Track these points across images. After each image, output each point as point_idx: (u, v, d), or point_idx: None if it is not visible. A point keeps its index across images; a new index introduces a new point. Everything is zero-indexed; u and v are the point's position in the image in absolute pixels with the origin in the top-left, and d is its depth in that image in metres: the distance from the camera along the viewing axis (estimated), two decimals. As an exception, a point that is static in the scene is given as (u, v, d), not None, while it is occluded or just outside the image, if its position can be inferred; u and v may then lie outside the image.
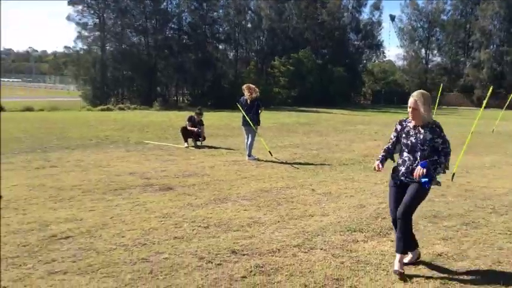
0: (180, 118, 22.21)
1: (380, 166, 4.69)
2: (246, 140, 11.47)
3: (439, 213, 6.76)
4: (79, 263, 4.63)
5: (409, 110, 4.55)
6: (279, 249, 5.14)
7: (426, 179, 4.39)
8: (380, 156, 4.81)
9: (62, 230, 5.61)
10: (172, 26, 40.04)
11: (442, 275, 4.50)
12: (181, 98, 41.38)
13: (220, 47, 43.65)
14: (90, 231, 5.63)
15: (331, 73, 41.93)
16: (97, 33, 39.08)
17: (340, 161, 11.25)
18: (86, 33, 39.29)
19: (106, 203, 6.97)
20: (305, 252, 5.06)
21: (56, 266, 4.54)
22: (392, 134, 4.81)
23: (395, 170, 4.77)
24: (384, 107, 44.07)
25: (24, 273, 4.37)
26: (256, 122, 11.42)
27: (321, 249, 5.19)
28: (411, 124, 4.63)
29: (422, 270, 4.64)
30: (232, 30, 42.29)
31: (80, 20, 38.62)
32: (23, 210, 6.51)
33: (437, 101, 17.65)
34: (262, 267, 4.61)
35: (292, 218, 6.39)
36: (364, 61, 52.95)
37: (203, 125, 13.80)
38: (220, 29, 42.20)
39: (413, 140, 4.55)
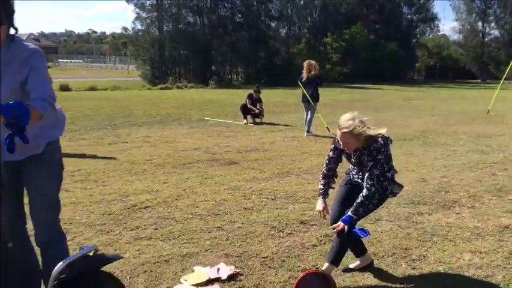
0: (236, 96, 22.52)
1: (323, 206, 3.89)
2: (305, 117, 11.56)
3: (503, 187, 6.67)
4: (161, 230, 4.92)
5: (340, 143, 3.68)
6: (345, 220, 5.26)
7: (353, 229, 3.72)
8: (320, 190, 3.98)
9: (141, 201, 5.95)
10: (226, 5, 40.18)
11: (510, 247, 4.51)
12: (235, 76, 41.65)
13: (273, 24, 43.48)
14: (167, 201, 5.94)
15: (384, 48, 41.01)
16: (154, 14, 39.77)
17: (398, 137, 11.15)
18: (144, 15, 40.10)
19: (177, 176, 7.29)
20: (371, 223, 5.16)
21: (140, 233, 4.86)
22: (330, 154, 3.92)
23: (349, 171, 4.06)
24: (438, 82, 42.83)
25: (112, 238, 4.70)
26: (315, 98, 11.46)
27: (387, 220, 5.28)
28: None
29: (490, 241, 4.65)
30: (285, 7, 42.01)
31: (138, 1, 39.42)
32: (103, 182, 6.91)
33: (504, 76, 16.98)
34: (330, 236, 4.75)
35: (355, 191, 6.49)
36: (418, 35, 51.30)
37: (261, 101, 13.97)
38: (273, 6, 42.00)
39: (357, 161, 3.75)
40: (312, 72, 11.46)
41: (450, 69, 52.00)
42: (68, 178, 7.05)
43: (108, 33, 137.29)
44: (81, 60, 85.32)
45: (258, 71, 38.61)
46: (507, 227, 5.04)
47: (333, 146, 3.91)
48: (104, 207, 5.69)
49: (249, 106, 13.71)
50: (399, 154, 9.11)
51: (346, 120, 3.58)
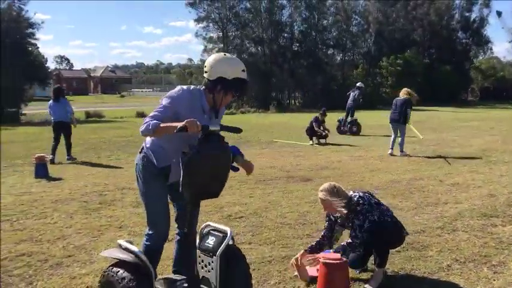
0: (296, 119, 22.95)
1: (300, 256, 4.12)
2: (392, 136, 11.65)
3: None
4: (258, 237, 5.29)
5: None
6: (423, 230, 5.44)
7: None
8: (310, 245, 4.31)
9: (235, 211, 6.36)
10: (285, 35, 40.95)
11: None
12: (293, 101, 42.09)
13: (329, 52, 43.77)
14: (257, 212, 6.31)
15: (438, 72, 40.30)
16: (220, 45, 41.08)
17: (461, 155, 11.11)
18: (211, 46, 41.50)
19: (260, 190, 7.68)
20: (448, 233, 5.31)
21: (241, 238, 5.23)
22: (327, 223, 4.34)
23: None
24: (493, 103, 41.40)
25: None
26: (403, 119, 11.46)
27: (463, 231, 5.41)
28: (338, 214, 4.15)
29: None
30: (341, 35, 42.24)
31: (206, 35, 40.95)
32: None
33: None
34: (412, 244, 4.95)
35: (428, 205, 6.63)
36: (472, 58, 50.00)
37: (324, 122, 14.32)
38: (330, 35, 42.34)
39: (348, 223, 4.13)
40: (404, 95, 11.69)
41: (505, 89, 50.25)
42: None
43: (174, 64, 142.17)
44: (151, 90, 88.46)
45: (315, 96, 38.87)
46: None
47: (326, 217, 4.36)
48: (205, 217, 6.09)
49: (316, 128, 14.01)
50: (464, 171, 9.14)
51: (324, 186, 4.12)
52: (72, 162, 10.67)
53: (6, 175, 9.16)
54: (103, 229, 5.60)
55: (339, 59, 45.28)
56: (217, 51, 41.20)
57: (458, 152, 11.76)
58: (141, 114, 30.14)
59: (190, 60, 44.98)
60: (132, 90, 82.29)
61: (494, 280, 4.03)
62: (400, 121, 11.43)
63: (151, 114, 3.07)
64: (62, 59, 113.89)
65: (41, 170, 8.83)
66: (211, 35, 40.70)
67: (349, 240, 4.02)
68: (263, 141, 14.76)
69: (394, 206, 6.56)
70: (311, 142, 13.83)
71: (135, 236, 5.31)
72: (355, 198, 4.06)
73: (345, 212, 4.02)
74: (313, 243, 4.26)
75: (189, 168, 2.93)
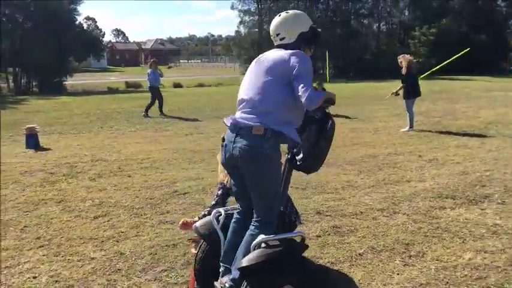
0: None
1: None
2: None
3: (548, 183, 5.77)
4: (185, 215, 4.87)
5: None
6: (362, 212, 4.86)
7: None
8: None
9: (184, 187, 5.97)
10: (320, 6, 39.43)
11: (523, 248, 3.86)
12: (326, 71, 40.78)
13: (365, 21, 41.82)
14: (205, 188, 5.89)
15: (474, 41, 37.57)
16: (256, 17, 40.16)
17: (460, 128, 10.15)
18: (247, 18, 40.67)
19: (227, 165, 7.23)
20: (386, 216, 4.72)
21: (167, 217, 4.86)
22: (220, 191, 3.91)
23: None
24: (533, 72, 38.36)
25: (141, 221, 4.76)
26: (407, 93, 10.01)
27: (404, 214, 4.79)
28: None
29: (503, 241, 4.02)
30: (375, 5, 40.17)
31: (241, 7, 40.14)
32: (162, 169, 7.05)
33: None
34: (339, 227, 4.41)
35: (387, 183, 5.98)
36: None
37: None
38: (364, 5, 40.36)
39: None
40: (403, 64, 9.97)
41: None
42: (135, 165, 7.32)
43: (223, 36, 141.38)
44: (199, 61, 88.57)
45: (348, 65, 37.43)
46: (527, 227, 4.33)
47: (221, 184, 3.86)
48: (150, 193, 5.79)
49: None
50: (452, 146, 8.30)
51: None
52: (76, 133, 10.60)
53: (3, 145, 9.17)
54: (41, 203, 5.37)
55: (374, 27, 43.29)
56: (253, 23, 40.42)
57: (460, 124, 10.77)
58: (178, 85, 30.16)
59: (237, 32, 43.69)
60: (180, 61, 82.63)
61: (397, 274, 3.46)
62: (404, 96, 10.10)
63: (308, 83, 2.55)
64: (118, 32, 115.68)
65: (31, 141, 8.76)
66: (247, 7, 39.78)
67: None
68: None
69: (352, 183, 5.99)
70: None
71: (71, 211, 5.06)
72: None
73: None
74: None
75: (329, 137, 2.74)
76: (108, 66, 72.12)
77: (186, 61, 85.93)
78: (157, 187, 6.04)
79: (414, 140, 9.01)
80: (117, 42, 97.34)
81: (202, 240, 3.06)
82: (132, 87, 29.33)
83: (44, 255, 3.93)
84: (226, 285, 2.68)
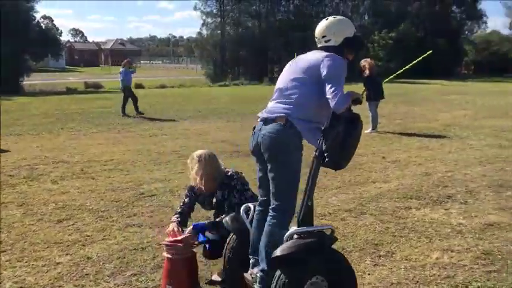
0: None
1: (176, 229, 3.38)
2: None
3: (505, 183, 6.01)
4: (153, 218, 4.80)
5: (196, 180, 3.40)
6: (330, 213, 4.91)
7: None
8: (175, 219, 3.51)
9: (151, 189, 5.86)
10: (282, 9, 39.72)
11: (486, 246, 4.00)
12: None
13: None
14: (173, 190, 5.81)
15: (432, 45, 38.87)
16: (218, 19, 40.01)
17: (420, 130, 10.46)
18: (209, 20, 40.44)
19: (194, 166, 7.15)
20: (354, 217, 4.78)
21: (135, 220, 4.75)
22: (187, 199, 3.60)
23: None
24: (487, 77, 39.96)
25: (107, 224, 4.63)
26: (370, 96, 10.08)
27: (371, 214, 4.87)
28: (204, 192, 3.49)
29: (467, 239, 4.15)
30: (335, 9, 40.85)
31: (204, 9, 39.88)
32: (127, 171, 6.90)
33: None
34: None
35: (353, 184, 6.08)
36: (466, 32, 48.20)
37: None
38: (325, 9, 40.94)
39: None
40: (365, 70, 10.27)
41: (499, 63, 48.50)
42: (98, 167, 7.13)
43: (185, 37, 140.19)
44: (160, 62, 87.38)
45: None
46: (491, 225, 4.50)
47: (187, 195, 3.65)
48: (115, 195, 5.64)
49: None
50: (413, 148, 8.53)
51: (198, 160, 3.42)
52: (35, 134, 10.21)
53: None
54: (1, 207, 5.13)
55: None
56: (215, 25, 40.28)
57: (420, 126, 11.10)
58: (139, 86, 29.59)
59: (199, 33, 43.24)
60: (141, 62, 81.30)
61: (368, 274, 3.51)
62: (367, 99, 10.12)
63: (338, 86, 2.68)
64: (77, 32, 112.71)
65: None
66: (209, 9, 39.58)
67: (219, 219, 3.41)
68: (234, 113, 14.15)
69: (319, 184, 5.99)
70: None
71: (34, 214, 4.85)
72: (230, 173, 3.50)
73: (216, 186, 3.44)
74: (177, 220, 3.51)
75: (357, 136, 2.86)
76: (66, 66, 70.00)
77: (147, 62, 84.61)
78: (122, 189, 5.90)
79: (377, 141, 9.20)
80: (75, 42, 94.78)
81: (232, 234, 3.21)
82: (92, 87, 28.57)
83: (6, 261, 3.76)
84: (258, 275, 2.83)
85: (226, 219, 3.18)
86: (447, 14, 43.47)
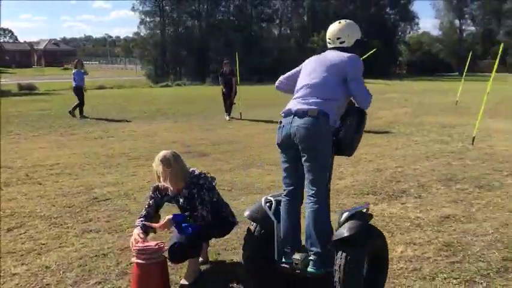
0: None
1: (142, 236, 3.24)
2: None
3: (454, 177, 6.31)
4: (111, 223, 4.60)
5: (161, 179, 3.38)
6: (292, 211, 4.92)
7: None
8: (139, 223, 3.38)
9: (104, 193, 5.62)
10: (222, 9, 39.69)
11: (446, 238, 4.16)
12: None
13: (264, 25, 42.80)
14: (128, 194, 5.60)
15: (369, 46, 40.40)
16: (157, 19, 39.31)
17: (366, 127, 10.75)
18: (148, 19, 39.62)
19: (147, 168, 6.90)
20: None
21: (91, 225, 4.53)
22: (151, 201, 3.52)
23: None
24: (419, 76, 42.05)
25: (62, 231, 4.38)
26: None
27: (332, 211, 4.90)
28: (170, 192, 3.44)
29: (427, 232, 4.31)
30: (275, 11, 41.43)
31: (142, 8, 39.02)
32: (76, 175, 6.58)
33: (465, 68, 16.26)
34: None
35: (310, 181, 6.13)
36: (400, 33, 50.57)
37: (235, 76, 13.05)
38: (265, 9, 41.37)
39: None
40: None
41: (430, 63, 51.24)
42: (44, 171, 6.75)
43: (122, 37, 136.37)
44: (97, 62, 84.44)
45: (251, 69, 38.02)
46: (447, 217, 4.70)
47: (153, 193, 3.56)
48: (67, 200, 5.36)
49: (224, 90, 12.91)
50: (362, 145, 8.70)
51: (161, 160, 3.40)
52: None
53: None
54: None
55: (276, 33, 44.58)
56: (154, 25, 39.52)
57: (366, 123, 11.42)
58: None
59: (137, 34, 42.17)
60: (76, 62, 78.25)
61: (339, 269, 3.53)
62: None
63: (363, 85, 3.13)
64: (6, 31, 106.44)
65: None
66: (148, 8, 38.78)
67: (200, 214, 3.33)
68: (180, 114, 13.92)
69: (276, 183, 6.03)
70: (227, 118, 12.80)
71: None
72: (197, 173, 3.48)
73: (183, 185, 3.39)
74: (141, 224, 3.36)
75: (363, 127, 3.28)
76: (-4, 68, 65.88)
77: (86, 62, 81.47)
78: (74, 194, 5.62)
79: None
80: (5, 42, 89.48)
81: (253, 225, 3.22)
82: (26, 89, 27.06)
83: (-47, 277, 3.44)
84: (311, 258, 2.97)
85: (248, 211, 3.20)
86: (382, 15, 45.32)
